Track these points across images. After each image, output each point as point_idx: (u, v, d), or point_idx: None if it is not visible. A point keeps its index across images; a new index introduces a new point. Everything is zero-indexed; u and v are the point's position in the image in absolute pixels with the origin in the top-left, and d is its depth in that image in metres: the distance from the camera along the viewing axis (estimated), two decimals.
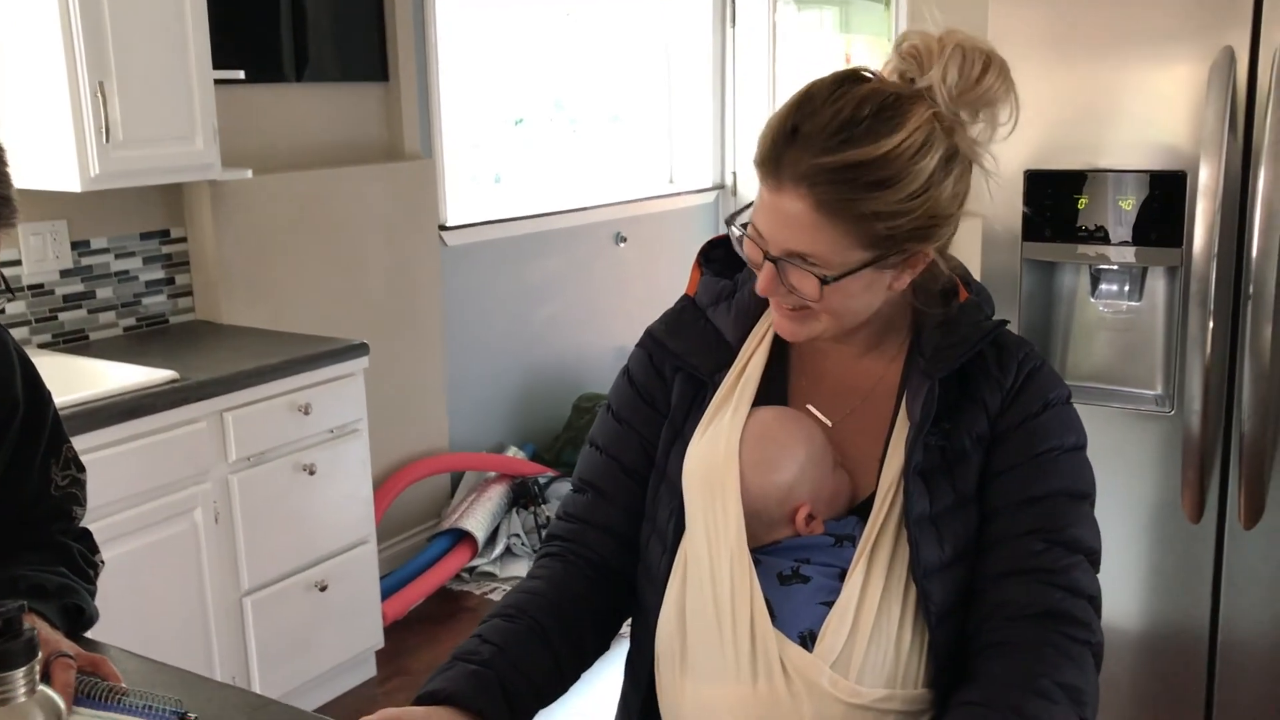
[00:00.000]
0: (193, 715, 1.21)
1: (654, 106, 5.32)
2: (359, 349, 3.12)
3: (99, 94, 2.75)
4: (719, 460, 1.22)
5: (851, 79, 1.14)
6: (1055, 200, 2.26)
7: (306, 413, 2.97)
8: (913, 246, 1.15)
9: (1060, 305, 2.38)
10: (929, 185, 1.12)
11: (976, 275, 2.38)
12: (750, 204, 1.21)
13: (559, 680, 1.24)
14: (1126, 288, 2.29)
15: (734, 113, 5.33)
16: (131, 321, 3.28)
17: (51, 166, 2.80)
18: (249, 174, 3.22)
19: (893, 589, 1.17)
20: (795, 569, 1.20)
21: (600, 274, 4.82)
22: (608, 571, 1.32)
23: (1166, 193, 2.17)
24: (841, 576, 1.19)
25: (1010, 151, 2.30)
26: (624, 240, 4.87)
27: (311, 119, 3.67)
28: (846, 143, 1.09)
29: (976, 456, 1.21)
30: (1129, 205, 2.20)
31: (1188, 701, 2.34)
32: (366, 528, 3.22)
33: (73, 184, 2.77)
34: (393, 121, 3.90)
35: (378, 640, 3.32)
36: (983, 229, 2.34)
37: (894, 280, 1.19)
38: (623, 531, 1.32)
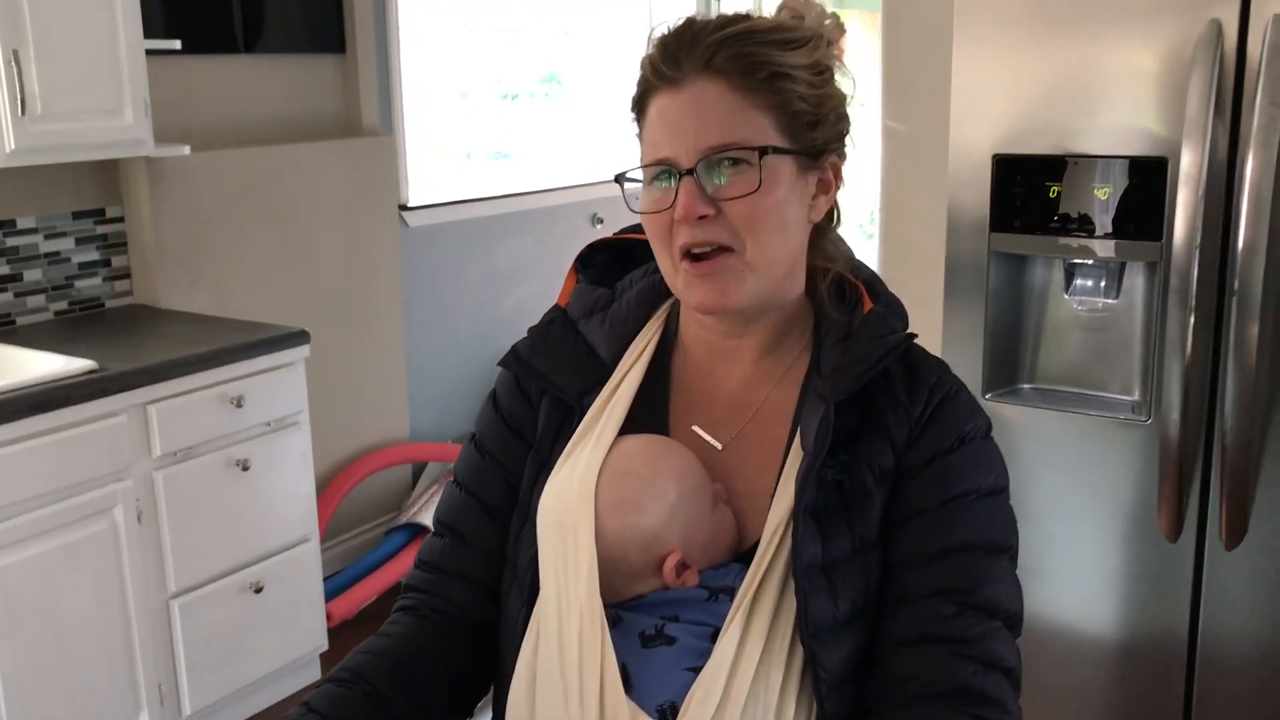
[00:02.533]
0: None
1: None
2: (298, 337, 2.94)
3: (13, 63, 2.58)
4: (572, 500, 1.04)
5: None
6: (1026, 188, 2.07)
7: (239, 405, 2.81)
8: (828, 149, 1.08)
9: (1031, 302, 2.19)
10: (826, 69, 1.07)
11: (939, 268, 2.21)
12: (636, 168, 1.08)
13: None
14: (1103, 283, 2.11)
15: None
16: (64, 306, 3.11)
17: None
18: (186, 150, 3.04)
19: (774, 652, 0.99)
20: (659, 628, 1.02)
21: (573, 257, 4.63)
22: (467, 627, 1.14)
23: (1147, 181, 1.99)
24: (715, 637, 1.00)
25: (978, 134, 2.12)
26: (600, 222, 4.68)
27: (260, 93, 3.48)
28: (743, 19, 1.05)
29: (880, 495, 1.04)
30: (1106, 194, 2.01)
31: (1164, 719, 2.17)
32: (308, 525, 3.06)
33: None
34: (349, 95, 3.72)
35: (321, 643, 3.16)
36: (948, 217, 2.15)
37: (811, 207, 1.08)
38: (484, 580, 1.14)
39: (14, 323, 3.01)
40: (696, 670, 0.99)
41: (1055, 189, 2.05)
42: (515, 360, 1.15)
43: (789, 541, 1.01)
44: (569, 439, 1.10)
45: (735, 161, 1.02)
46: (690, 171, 1.01)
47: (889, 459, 1.04)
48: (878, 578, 1.03)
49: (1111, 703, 2.22)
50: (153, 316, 3.15)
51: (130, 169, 3.15)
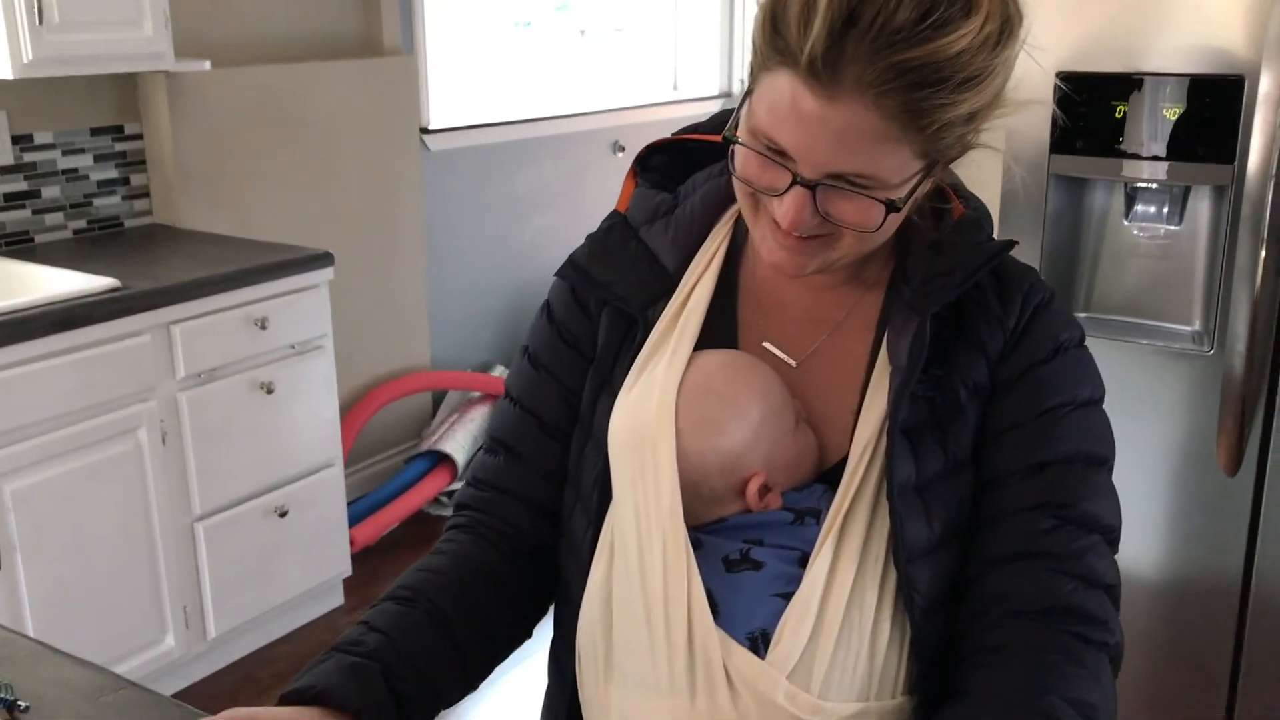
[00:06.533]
0: (23, 704, 1.00)
1: (659, 8, 4.99)
2: (323, 259, 2.88)
3: None
4: (650, 420, 0.97)
5: None
6: (1090, 107, 1.99)
7: (264, 327, 2.75)
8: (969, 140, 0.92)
9: (1089, 227, 2.12)
10: (1009, 73, 0.89)
11: (996, 191, 2.13)
12: (740, 106, 0.93)
13: (464, 676, 1.02)
14: (1165, 209, 2.03)
15: (743, 16, 5.01)
16: (82, 224, 3.04)
17: None
18: (207, 65, 2.95)
19: (867, 576, 0.94)
20: (745, 552, 0.96)
21: (595, 184, 4.55)
22: (525, 547, 1.09)
23: (1218, 101, 1.91)
24: (803, 562, 0.95)
25: (1040, 51, 2.03)
26: (622, 150, 4.59)
27: (281, 8, 3.38)
28: (930, 31, 0.82)
29: (973, 411, 0.98)
30: (1174, 114, 1.93)
31: (1213, 658, 2.13)
32: (332, 450, 3.01)
33: (4, 71, 2.52)
34: (370, 14, 3.61)
35: (345, 568, 3.13)
36: (1006, 138, 2.07)
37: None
38: (541, 500, 1.09)
39: (32, 240, 2.94)
40: (786, 596, 0.94)
41: (1121, 109, 1.97)
42: (573, 270, 1.07)
43: (878, 462, 0.95)
44: (632, 353, 1.03)
45: (867, 190, 0.89)
46: (809, 185, 0.89)
47: (983, 373, 0.98)
48: (970, 498, 0.98)
49: (1161, 640, 2.19)
50: (173, 236, 3.08)
51: (149, 84, 3.06)
